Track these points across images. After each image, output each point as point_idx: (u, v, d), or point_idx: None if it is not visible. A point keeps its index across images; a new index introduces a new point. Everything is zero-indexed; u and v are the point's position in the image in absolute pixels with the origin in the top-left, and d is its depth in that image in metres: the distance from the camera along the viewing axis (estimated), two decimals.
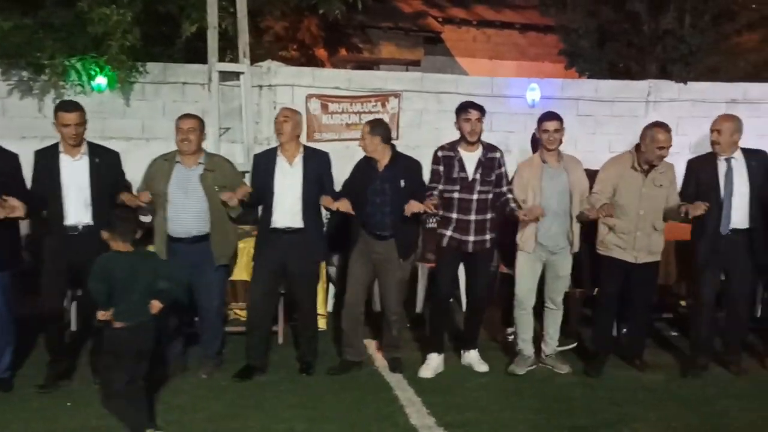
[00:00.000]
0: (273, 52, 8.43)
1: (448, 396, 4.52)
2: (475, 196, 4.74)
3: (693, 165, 4.99)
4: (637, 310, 5.04)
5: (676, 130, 7.52)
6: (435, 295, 5.09)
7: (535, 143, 5.41)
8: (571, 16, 9.20)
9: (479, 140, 4.79)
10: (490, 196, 4.80)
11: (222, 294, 4.89)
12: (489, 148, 4.82)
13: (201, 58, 7.19)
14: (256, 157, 5.02)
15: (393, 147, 4.79)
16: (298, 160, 4.73)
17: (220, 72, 7.03)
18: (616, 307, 5.03)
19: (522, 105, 7.73)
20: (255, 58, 7.47)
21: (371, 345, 5.43)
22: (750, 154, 4.85)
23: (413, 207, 4.47)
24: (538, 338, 5.11)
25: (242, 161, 6.83)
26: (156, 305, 3.83)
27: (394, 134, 7.48)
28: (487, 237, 4.82)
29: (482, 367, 4.96)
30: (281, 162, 4.73)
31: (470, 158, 4.77)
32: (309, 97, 7.44)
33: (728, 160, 4.80)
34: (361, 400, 4.44)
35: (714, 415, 4.31)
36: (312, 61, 9.45)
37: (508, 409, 4.35)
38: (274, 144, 7.31)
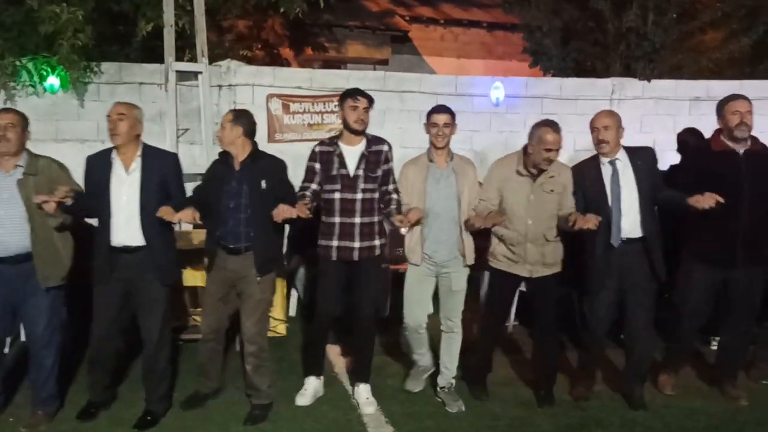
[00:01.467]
0: (234, 51, 8.28)
1: (407, 404, 4.41)
2: (359, 196, 4.18)
3: (577, 172, 4.33)
4: (540, 332, 4.45)
5: (640, 128, 7.72)
6: (317, 314, 4.38)
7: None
8: (535, 14, 9.16)
9: (364, 133, 4.25)
10: (377, 195, 4.26)
11: (52, 320, 3.98)
12: (374, 140, 4.27)
13: (158, 57, 7.02)
14: (89, 159, 4.08)
15: (255, 144, 4.15)
16: (136, 165, 3.96)
17: (178, 72, 6.87)
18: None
19: (486, 104, 7.67)
20: (215, 58, 7.33)
21: (332, 350, 5.32)
22: (634, 153, 4.29)
23: (284, 212, 3.84)
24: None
25: (201, 163, 6.66)
26: None
27: None
28: (376, 243, 4.28)
29: (368, 408, 4.29)
30: (117, 168, 3.96)
31: (352, 152, 4.21)
32: (270, 96, 7.31)
33: (612, 163, 4.24)
34: (316, 408, 4.32)
35: (677, 418, 4.26)
36: (277, 61, 9.31)
37: (470, 416, 4.26)
38: None
